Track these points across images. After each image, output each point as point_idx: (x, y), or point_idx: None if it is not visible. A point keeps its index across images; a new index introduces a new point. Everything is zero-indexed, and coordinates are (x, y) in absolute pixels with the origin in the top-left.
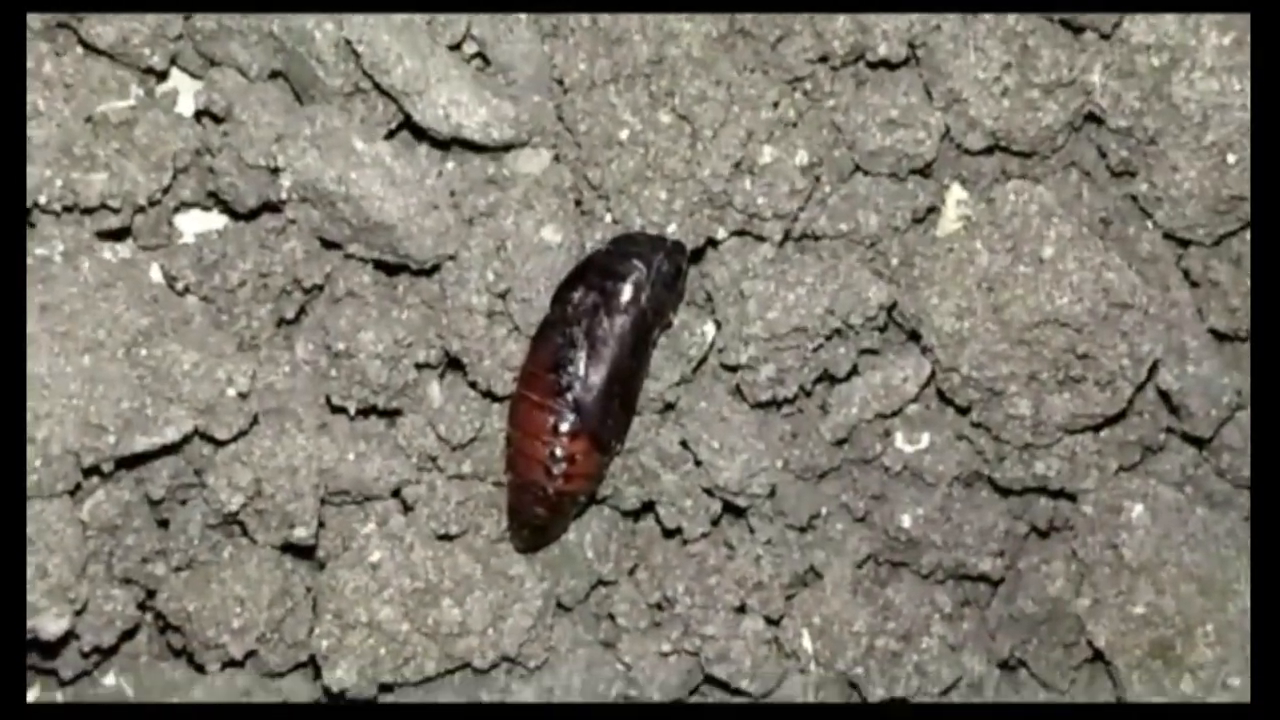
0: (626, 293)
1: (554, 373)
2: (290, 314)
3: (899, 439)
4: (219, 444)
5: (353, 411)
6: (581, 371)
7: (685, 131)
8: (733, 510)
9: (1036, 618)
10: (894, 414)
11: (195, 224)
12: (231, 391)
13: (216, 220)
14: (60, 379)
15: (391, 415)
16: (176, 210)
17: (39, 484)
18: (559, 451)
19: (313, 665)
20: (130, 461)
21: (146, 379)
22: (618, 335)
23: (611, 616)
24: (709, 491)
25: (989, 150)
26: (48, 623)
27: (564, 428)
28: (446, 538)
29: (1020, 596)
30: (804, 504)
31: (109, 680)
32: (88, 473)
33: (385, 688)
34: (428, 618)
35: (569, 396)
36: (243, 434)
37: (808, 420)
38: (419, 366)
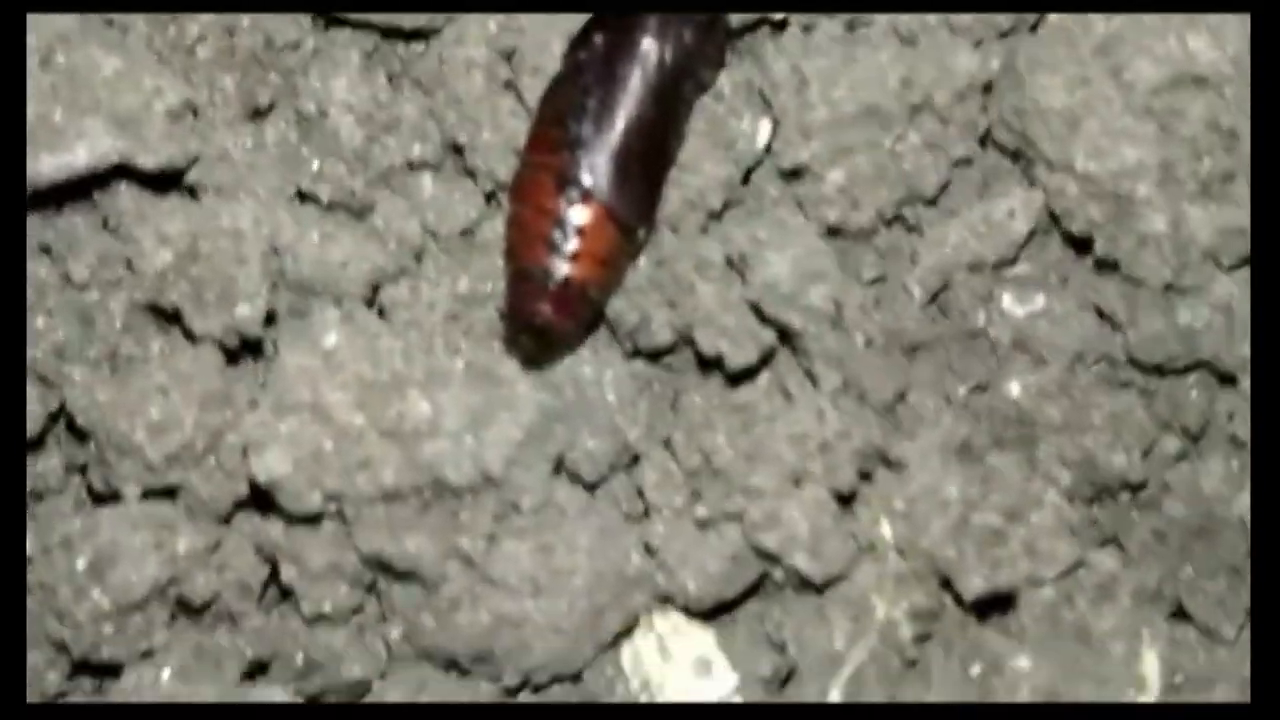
0: (650, 29)
1: (559, 126)
2: (264, 101)
3: (1006, 300)
4: (151, 187)
5: (325, 199)
6: (592, 122)
7: None
8: (790, 344)
9: (1189, 527)
10: (999, 265)
11: None
12: (159, 106)
13: None
14: None
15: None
16: None
17: None
18: (565, 221)
19: (257, 503)
20: (42, 200)
21: (60, 87)
22: (639, 81)
23: (640, 491)
24: (758, 313)
25: None
26: None
27: (572, 192)
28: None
29: (1168, 502)
30: (888, 381)
31: None
32: None
33: (334, 498)
34: (388, 410)
35: (577, 154)
36: (177, 177)
37: (893, 277)
38: (411, 166)
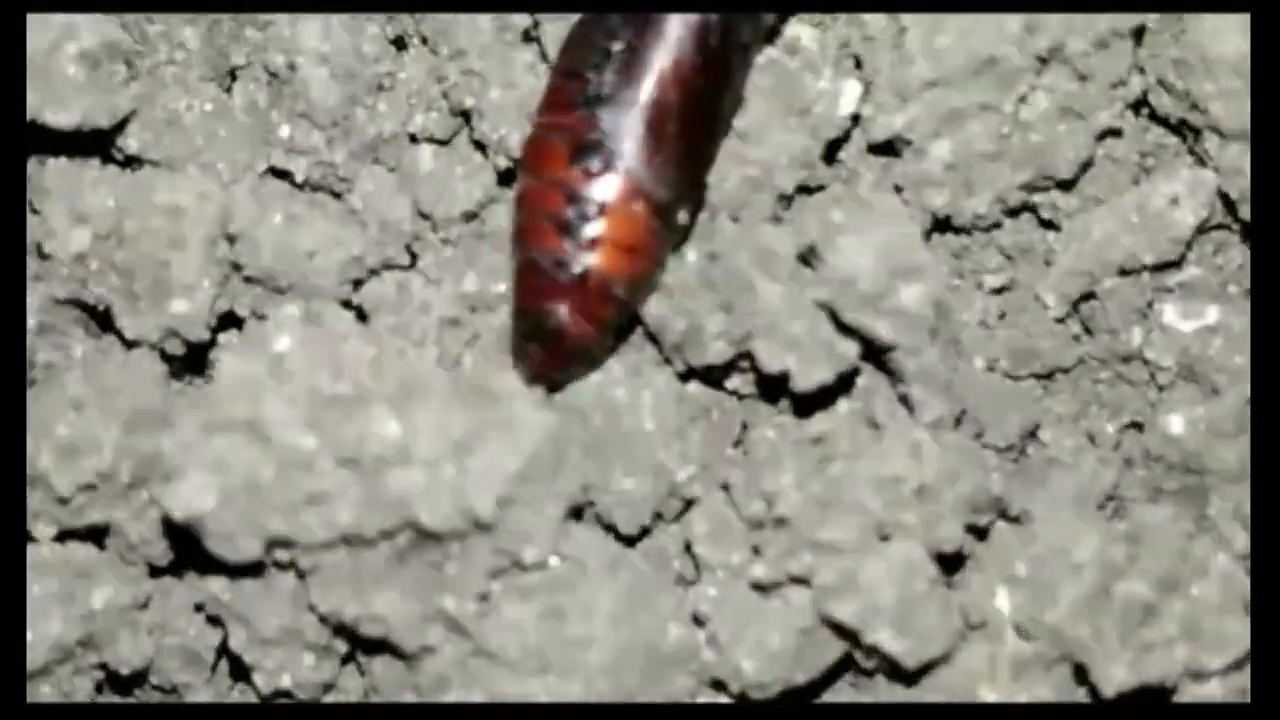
0: None
1: (576, 78)
2: (238, 60)
3: (1169, 313)
4: (78, 153)
5: (301, 177)
6: (617, 72)
7: None
8: (878, 362)
9: None
10: (1159, 268)
11: None
12: (72, 48)
13: None
14: None
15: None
16: None
17: None
18: (582, 197)
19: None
20: None
21: None
22: (679, 21)
23: (689, 545)
24: (835, 320)
25: None
26: None
27: (590, 160)
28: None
29: None
30: (1013, 414)
31: None
32: None
33: (281, 544)
34: (346, 430)
35: (596, 112)
36: (107, 141)
37: (1022, 284)
38: (407, 137)
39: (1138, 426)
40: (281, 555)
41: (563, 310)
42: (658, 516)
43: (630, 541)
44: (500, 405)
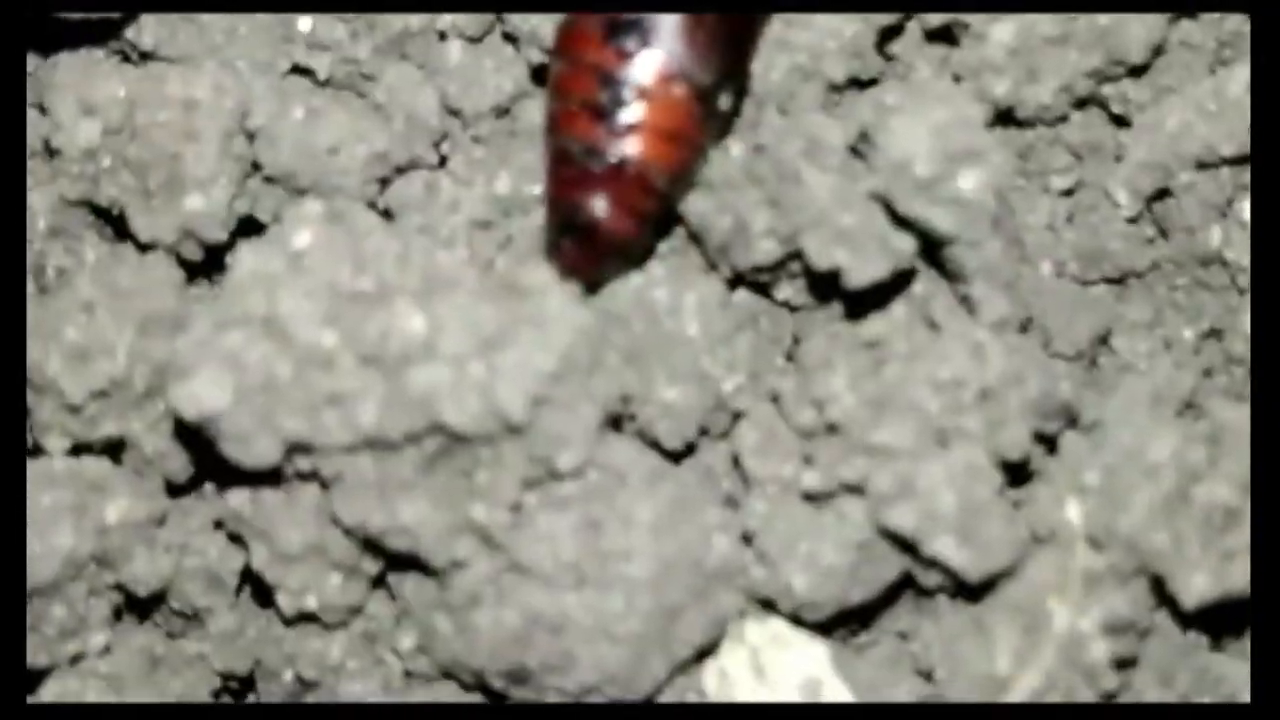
0: None
1: None
2: None
3: (1247, 211)
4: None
5: (324, 74)
6: None
7: None
8: (936, 259)
9: None
10: (1239, 161)
11: None
12: None
13: None
14: None
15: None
16: None
17: None
18: (618, 80)
19: (219, 464)
20: None
21: None
22: None
23: (737, 460)
24: (890, 211)
25: None
26: None
27: (625, 39)
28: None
29: None
30: (1083, 320)
31: None
32: None
33: (301, 449)
34: (368, 326)
35: None
36: (115, 31)
37: (1091, 180)
38: (441, 35)
39: (1217, 334)
40: (302, 463)
41: (598, 202)
42: (703, 431)
43: (675, 458)
44: (532, 300)
